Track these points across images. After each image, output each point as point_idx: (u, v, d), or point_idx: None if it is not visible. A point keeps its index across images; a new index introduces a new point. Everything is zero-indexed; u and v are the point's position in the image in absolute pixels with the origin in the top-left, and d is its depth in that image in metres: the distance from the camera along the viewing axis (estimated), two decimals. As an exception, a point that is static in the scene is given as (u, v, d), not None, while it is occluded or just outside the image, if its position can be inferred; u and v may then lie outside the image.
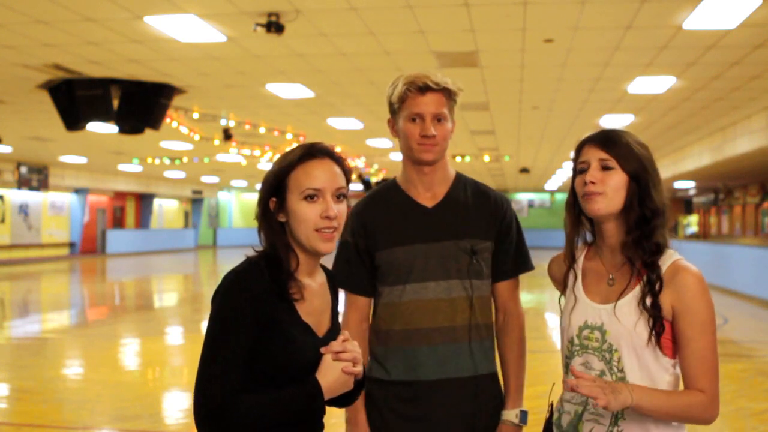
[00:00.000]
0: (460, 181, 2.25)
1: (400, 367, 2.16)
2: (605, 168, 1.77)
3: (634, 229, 1.77)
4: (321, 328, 1.72)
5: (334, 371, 1.63)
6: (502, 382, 2.26)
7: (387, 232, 2.17)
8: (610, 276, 1.82)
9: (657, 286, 1.73)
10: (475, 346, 2.16)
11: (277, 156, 1.91)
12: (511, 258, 2.24)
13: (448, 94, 2.11)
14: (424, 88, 2.07)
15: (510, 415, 2.18)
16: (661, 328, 1.71)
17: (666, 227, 1.79)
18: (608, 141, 1.79)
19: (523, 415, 2.18)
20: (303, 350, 1.64)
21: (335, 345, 1.66)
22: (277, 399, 1.58)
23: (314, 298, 1.72)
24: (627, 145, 1.78)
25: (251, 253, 1.68)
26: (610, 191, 1.76)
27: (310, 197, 1.63)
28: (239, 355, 1.57)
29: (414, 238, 2.14)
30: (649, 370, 1.73)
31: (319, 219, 1.63)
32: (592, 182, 1.77)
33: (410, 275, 2.14)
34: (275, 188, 1.66)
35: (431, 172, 2.17)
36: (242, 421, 1.54)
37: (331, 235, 1.65)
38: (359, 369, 1.67)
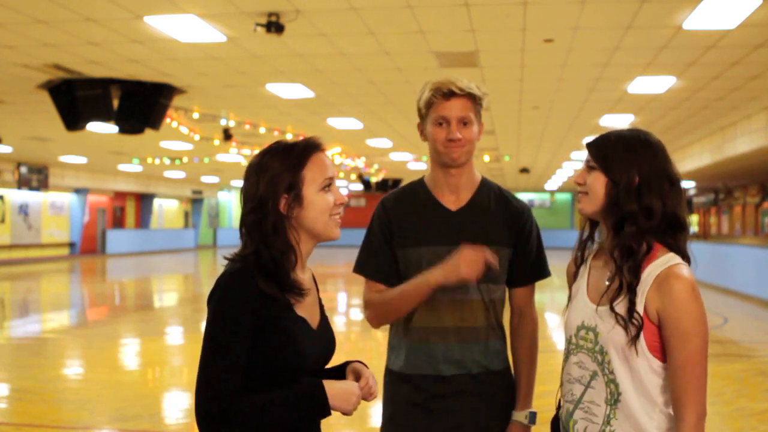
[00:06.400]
0: (485, 186, 2.32)
1: (418, 362, 2.22)
2: (590, 168, 1.83)
3: (612, 231, 1.81)
4: (314, 320, 1.75)
5: (346, 396, 1.65)
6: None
7: (411, 231, 2.24)
8: (608, 275, 1.82)
9: (632, 289, 1.71)
10: (490, 345, 2.24)
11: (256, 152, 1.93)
12: (530, 265, 2.31)
13: (474, 99, 2.18)
14: (449, 94, 2.15)
15: (520, 416, 2.26)
16: (638, 331, 1.69)
17: (650, 231, 1.75)
18: (594, 143, 1.85)
19: (532, 416, 2.26)
20: (303, 345, 1.66)
21: (365, 389, 1.71)
22: (281, 400, 1.58)
23: (307, 292, 1.74)
24: (612, 147, 1.80)
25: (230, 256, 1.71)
26: (591, 191, 1.82)
27: (328, 186, 1.73)
28: (240, 356, 1.58)
29: (437, 239, 2.20)
30: (638, 373, 1.72)
31: (334, 206, 1.73)
32: (578, 182, 1.86)
33: None
34: (288, 186, 1.69)
35: (458, 174, 2.24)
36: (245, 422, 1.54)
37: (340, 220, 1.77)
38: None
